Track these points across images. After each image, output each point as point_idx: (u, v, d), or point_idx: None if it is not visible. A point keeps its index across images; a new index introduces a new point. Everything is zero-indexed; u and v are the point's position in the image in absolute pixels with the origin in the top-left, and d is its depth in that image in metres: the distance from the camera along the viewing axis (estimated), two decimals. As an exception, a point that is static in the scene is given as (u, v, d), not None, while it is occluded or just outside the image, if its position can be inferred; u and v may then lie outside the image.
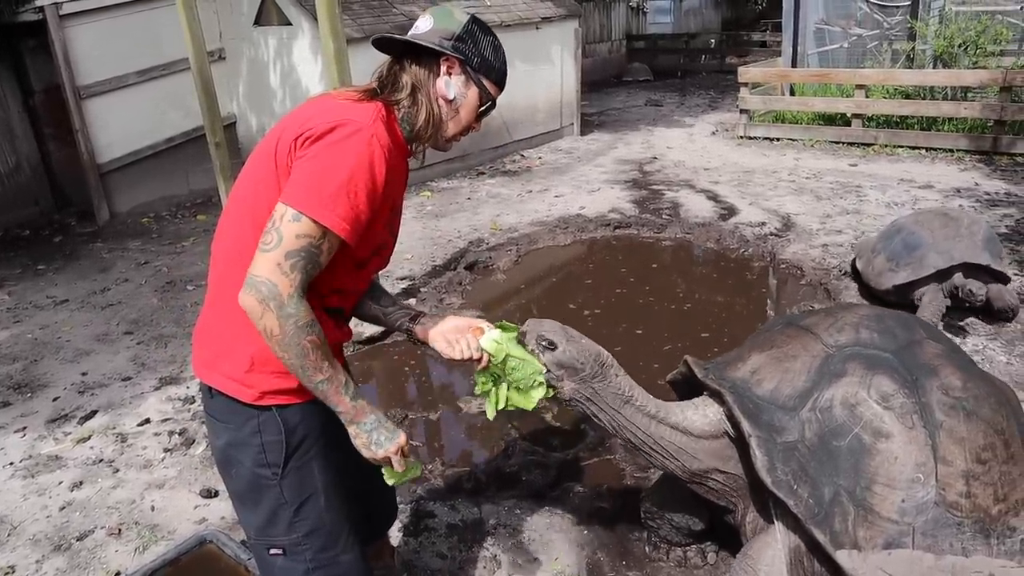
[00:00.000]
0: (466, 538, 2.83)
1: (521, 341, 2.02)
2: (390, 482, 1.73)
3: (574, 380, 2.09)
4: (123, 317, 5.11)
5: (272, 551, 1.77)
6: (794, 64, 10.67)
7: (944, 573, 1.96)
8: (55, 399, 4.07)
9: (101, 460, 3.48)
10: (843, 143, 9.05)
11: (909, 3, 10.04)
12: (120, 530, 2.97)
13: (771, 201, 7.02)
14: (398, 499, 2.55)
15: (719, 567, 2.64)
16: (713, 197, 7.30)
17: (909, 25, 9.91)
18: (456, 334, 1.93)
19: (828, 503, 2.01)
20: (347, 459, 1.76)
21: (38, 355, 4.61)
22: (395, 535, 2.77)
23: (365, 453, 1.68)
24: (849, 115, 9.10)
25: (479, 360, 1.93)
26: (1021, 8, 10.08)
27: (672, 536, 2.65)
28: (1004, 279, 4.26)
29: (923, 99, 8.96)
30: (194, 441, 3.58)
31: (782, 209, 6.75)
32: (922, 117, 8.80)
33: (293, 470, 1.71)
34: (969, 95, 8.85)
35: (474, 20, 1.73)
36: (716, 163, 8.67)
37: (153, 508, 3.11)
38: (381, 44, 1.74)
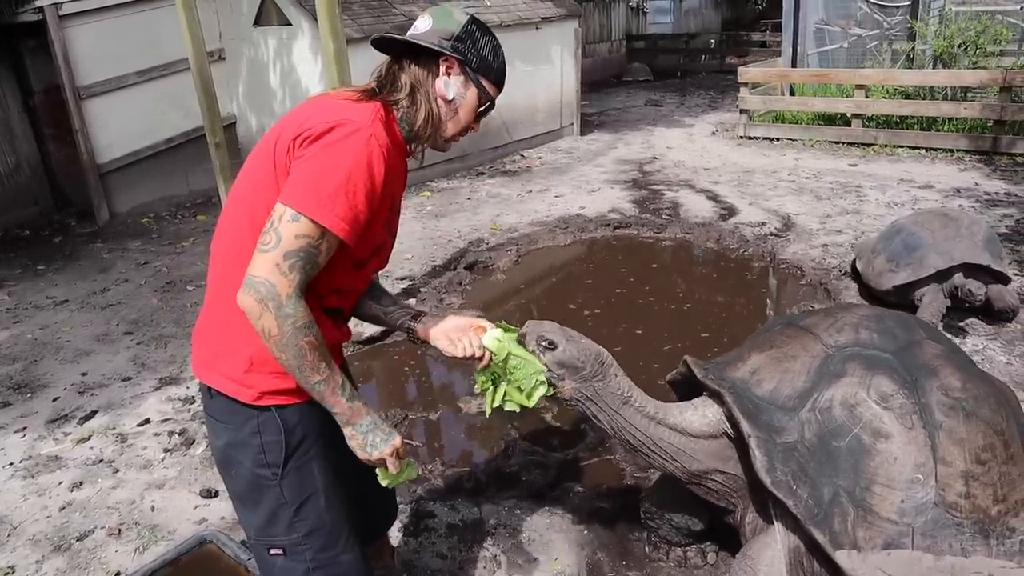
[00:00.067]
0: (466, 538, 2.83)
1: (521, 342, 2.03)
2: (384, 483, 1.74)
3: (575, 379, 2.10)
4: (123, 317, 5.11)
5: (272, 551, 1.77)
6: (794, 64, 10.67)
7: (943, 574, 1.96)
8: (55, 399, 4.07)
9: (101, 460, 3.48)
10: (843, 143, 9.05)
11: (909, 3, 10.04)
12: (120, 530, 2.97)
13: (771, 201, 7.02)
14: (398, 499, 2.56)
15: (719, 567, 2.64)
16: (713, 197, 7.30)
17: (909, 25, 9.91)
18: (458, 333, 1.93)
19: (827, 503, 2.01)
20: (344, 459, 1.76)
21: (38, 355, 4.61)
22: (395, 535, 2.77)
23: (360, 454, 1.68)
24: (849, 115, 9.10)
25: (480, 358, 1.94)
26: (1021, 8, 10.08)
27: (672, 536, 2.65)
28: (1004, 279, 4.26)
29: (923, 99, 8.96)
30: (194, 441, 3.58)
31: (782, 209, 6.75)
32: (922, 117, 8.81)
33: (293, 470, 1.71)
34: (969, 95, 8.85)
35: (473, 20, 1.73)
36: (716, 163, 8.67)
37: (153, 508, 3.11)
38: (380, 44, 1.74)
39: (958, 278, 4.21)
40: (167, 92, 7.62)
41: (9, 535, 2.99)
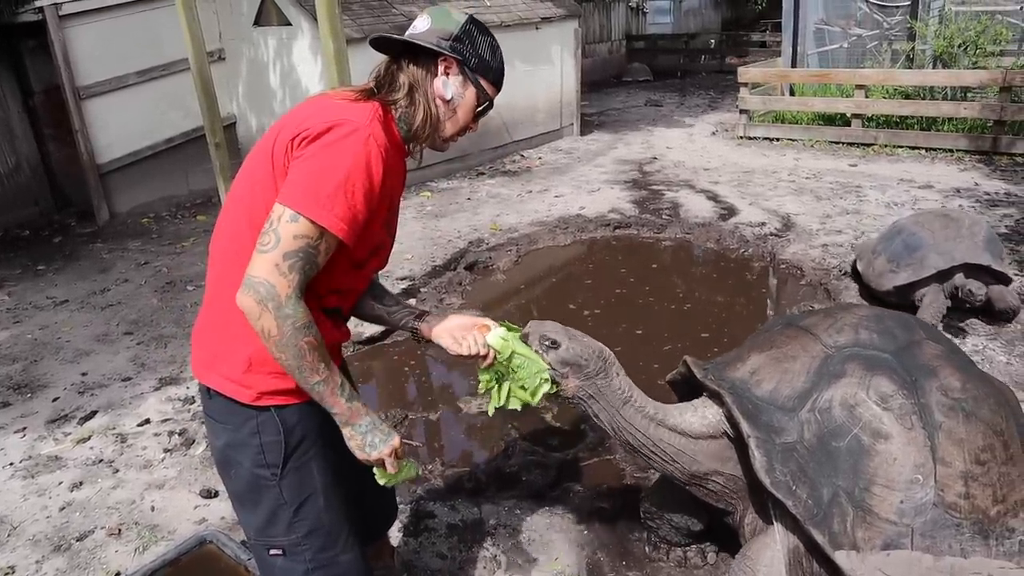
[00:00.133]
0: (466, 538, 2.83)
1: (525, 341, 2.05)
2: (382, 482, 1.74)
3: (578, 377, 2.12)
4: (123, 317, 5.11)
5: (272, 551, 1.77)
6: (794, 64, 10.67)
7: (943, 574, 1.96)
8: (55, 399, 4.07)
9: (101, 460, 3.48)
10: (843, 143, 9.05)
11: (909, 3, 10.04)
12: (120, 530, 2.98)
13: (771, 201, 7.02)
14: (398, 499, 2.56)
15: (719, 567, 2.64)
16: (713, 197, 7.30)
17: (909, 25, 9.91)
18: (463, 331, 1.94)
19: (827, 504, 2.01)
20: (343, 460, 1.76)
21: (38, 355, 4.61)
22: (395, 535, 2.77)
23: (359, 455, 1.68)
24: (849, 115, 9.10)
25: (485, 357, 1.94)
26: (1021, 8, 10.08)
27: (672, 536, 2.65)
28: (1005, 280, 4.26)
29: (923, 99, 8.96)
30: (194, 441, 3.58)
31: (782, 209, 6.75)
32: (922, 117, 8.80)
33: (292, 470, 1.71)
34: (969, 95, 8.85)
35: (472, 20, 1.73)
36: (716, 163, 8.67)
37: (153, 508, 3.12)
38: (379, 44, 1.74)
39: (959, 278, 4.21)
40: (167, 92, 7.63)
41: (9, 535, 2.99)
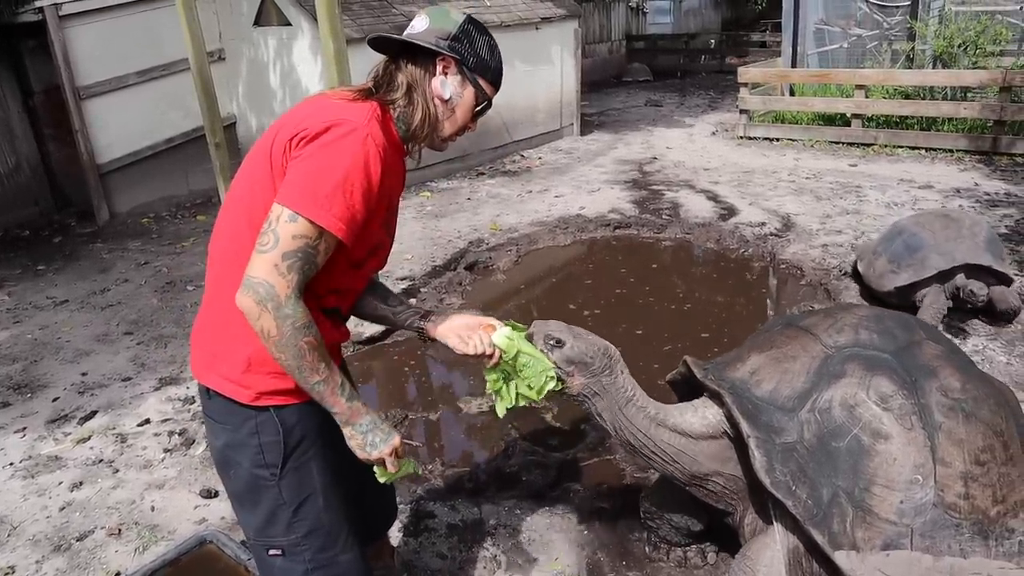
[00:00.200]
0: (466, 538, 2.83)
1: (530, 340, 2.05)
2: (382, 480, 1.74)
3: (584, 375, 2.13)
4: (123, 317, 5.11)
5: (271, 551, 1.77)
6: (794, 64, 10.67)
7: (942, 574, 1.96)
8: (55, 399, 4.07)
9: (101, 460, 3.48)
10: (843, 143, 9.05)
11: (909, 3, 10.04)
12: (120, 530, 2.98)
13: (771, 201, 7.02)
14: (398, 499, 2.56)
15: (719, 567, 2.63)
16: (713, 197, 7.30)
17: (909, 25, 9.91)
18: (468, 331, 1.95)
19: (827, 504, 2.01)
20: (343, 459, 1.76)
21: (38, 355, 4.61)
22: (395, 535, 2.77)
23: (360, 454, 1.68)
24: (849, 115, 9.10)
25: (491, 356, 1.94)
26: (1021, 8, 10.07)
27: (672, 536, 2.65)
28: (1007, 280, 4.25)
29: (923, 99, 8.96)
30: (194, 441, 3.58)
31: (782, 209, 6.75)
32: (922, 117, 8.80)
33: (291, 470, 1.71)
34: (969, 95, 8.85)
35: (470, 20, 1.73)
36: (716, 163, 8.67)
37: (153, 508, 3.12)
38: (377, 43, 1.74)
39: (960, 279, 4.21)
40: (167, 92, 7.63)
41: (9, 535, 2.99)
